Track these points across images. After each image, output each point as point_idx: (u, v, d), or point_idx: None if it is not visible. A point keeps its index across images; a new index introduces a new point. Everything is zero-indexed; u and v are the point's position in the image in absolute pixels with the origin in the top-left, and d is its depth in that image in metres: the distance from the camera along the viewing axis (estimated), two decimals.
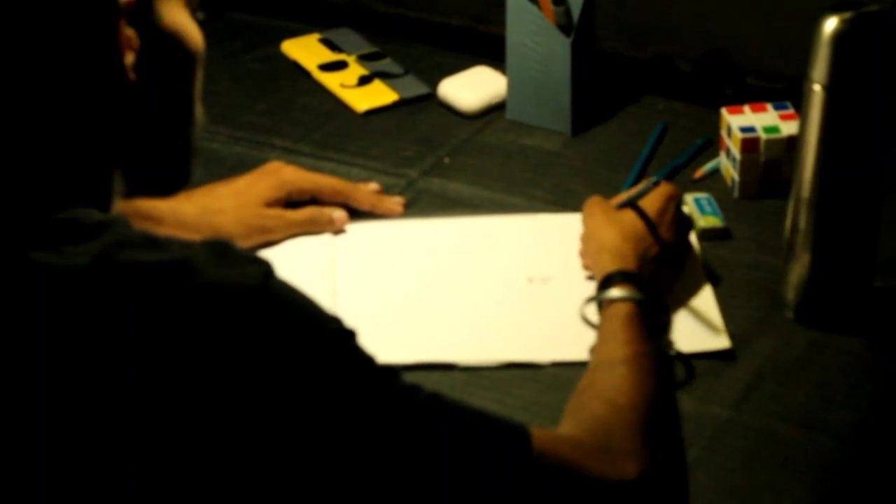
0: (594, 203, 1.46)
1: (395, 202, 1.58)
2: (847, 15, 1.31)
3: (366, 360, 0.95)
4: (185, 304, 0.87)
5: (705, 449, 1.27)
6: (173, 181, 0.98)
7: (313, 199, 1.56)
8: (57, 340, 0.85)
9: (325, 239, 1.53)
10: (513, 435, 1.01)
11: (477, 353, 1.39)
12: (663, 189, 1.45)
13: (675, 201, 1.45)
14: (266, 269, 0.91)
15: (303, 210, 1.54)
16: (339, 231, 1.54)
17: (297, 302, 0.92)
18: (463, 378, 1.36)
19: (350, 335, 0.94)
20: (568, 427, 1.15)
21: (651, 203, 1.43)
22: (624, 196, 1.46)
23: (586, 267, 1.48)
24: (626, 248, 1.38)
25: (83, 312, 0.86)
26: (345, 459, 0.90)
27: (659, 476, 1.11)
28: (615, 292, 1.31)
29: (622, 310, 1.29)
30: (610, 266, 1.36)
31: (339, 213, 1.54)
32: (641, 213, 1.42)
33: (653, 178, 1.46)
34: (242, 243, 1.47)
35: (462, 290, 1.47)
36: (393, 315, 1.44)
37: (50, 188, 0.90)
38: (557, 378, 1.36)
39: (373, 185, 1.60)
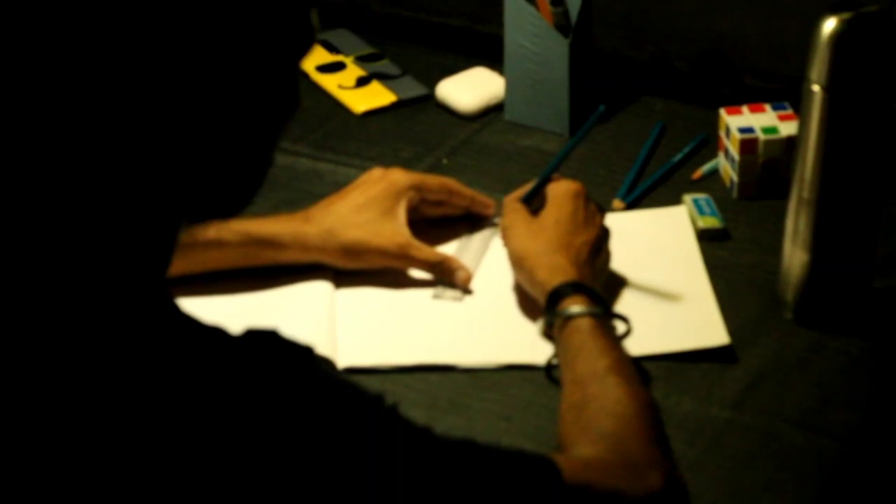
0: (513, 214, 1.43)
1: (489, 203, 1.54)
2: (846, 15, 1.31)
3: (409, 426, 0.94)
4: (238, 387, 0.86)
5: (705, 449, 1.27)
6: (236, 206, 0.93)
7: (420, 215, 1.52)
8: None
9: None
10: (544, 470, 1.02)
11: (476, 354, 1.39)
12: (566, 188, 1.43)
13: (583, 197, 1.43)
14: (310, 353, 0.90)
15: (429, 250, 1.47)
16: (465, 292, 1.46)
17: (341, 382, 0.91)
18: (463, 380, 1.36)
19: (394, 408, 0.93)
20: (582, 448, 1.15)
21: (561, 207, 1.41)
22: (527, 188, 1.46)
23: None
24: (560, 259, 1.36)
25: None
26: None
27: (680, 479, 1.12)
28: (573, 308, 1.29)
29: (584, 324, 1.28)
30: (553, 280, 1.34)
31: (463, 275, 1.46)
32: (557, 221, 1.40)
33: (546, 172, 1.46)
34: (361, 263, 1.45)
35: (462, 291, 1.47)
36: (392, 317, 1.44)
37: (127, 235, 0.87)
38: (556, 379, 1.36)
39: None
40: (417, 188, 1.49)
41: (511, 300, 1.45)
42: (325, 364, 0.91)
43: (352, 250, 1.45)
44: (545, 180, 1.45)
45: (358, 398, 0.92)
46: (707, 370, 1.36)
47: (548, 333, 1.35)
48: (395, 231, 1.46)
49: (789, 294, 1.43)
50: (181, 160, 0.86)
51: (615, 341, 1.29)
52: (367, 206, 1.46)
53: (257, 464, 0.85)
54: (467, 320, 1.43)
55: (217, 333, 0.88)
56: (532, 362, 1.37)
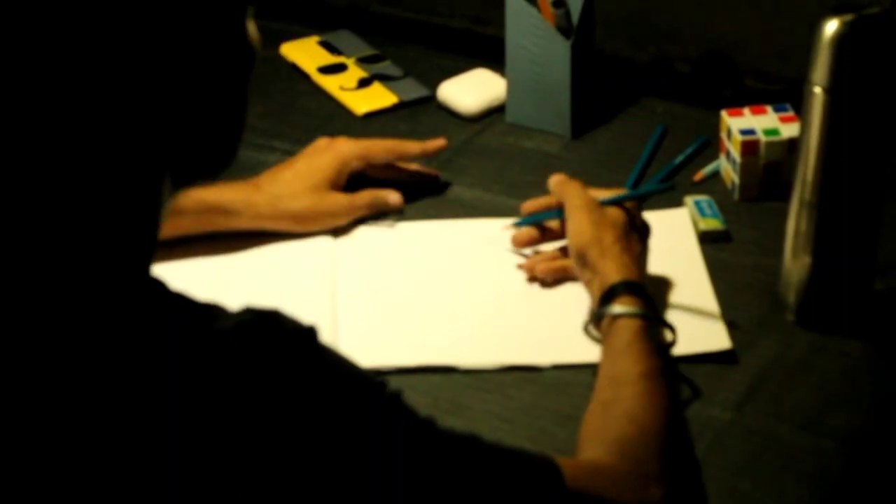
0: (583, 197, 1.41)
1: (438, 144, 1.61)
2: (847, 17, 1.31)
3: (411, 414, 0.94)
4: (237, 372, 0.86)
5: (707, 451, 1.27)
6: (217, 166, 0.94)
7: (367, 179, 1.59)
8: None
9: (326, 241, 1.53)
10: (546, 471, 1.02)
11: (477, 355, 1.39)
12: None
13: (637, 209, 1.43)
14: (313, 335, 0.90)
15: (362, 194, 1.56)
16: (397, 212, 1.56)
17: (344, 367, 0.92)
18: (463, 381, 1.36)
19: (396, 396, 0.94)
20: (594, 451, 1.15)
21: (623, 212, 1.40)
22: (612, 193, 1.44)
23: (564, 271, 1.45)
24: (627, 258, 1.36)
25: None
26: (392, 500, 0.90)
27: (680, 495, 1.13)
28: (623, 308, 1.30)
29: (633, 325, 1.28)
30: (617, 275, 1.33)
31: (393, 197, 1.56)
32: (623, 223, 1.39)
33: (663, 185, 1.45)
34: (311, 227, 1.53)
35: (462, 292, 1.47)
36: (393, 318, 1.44)
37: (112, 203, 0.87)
38: (558, 380, 1.36)
39: (437, 143, 1.62)
40: (363, 157, 1.57)
41: (513, 301, 1.46)
42: (329, 346, 0.91)
43: (300, 217, 1.52)
44: (636, 196, 1.44)
45: (361, 382, 0.92)
46: (708, 371, 1.36)
47: (591, 326, 1.35)
48: (337, 199, 1.54)
49: (791, 296, 1.43)
50: (155, 131, 0.87)
51: (659, 349, 1.29)
52: (312, 175, 1.54)
53: (258, 447, 0.85)
54: (469, 321, 1.43)
55: (214, 311, 0.89)
56: (534, 363, 1.38)
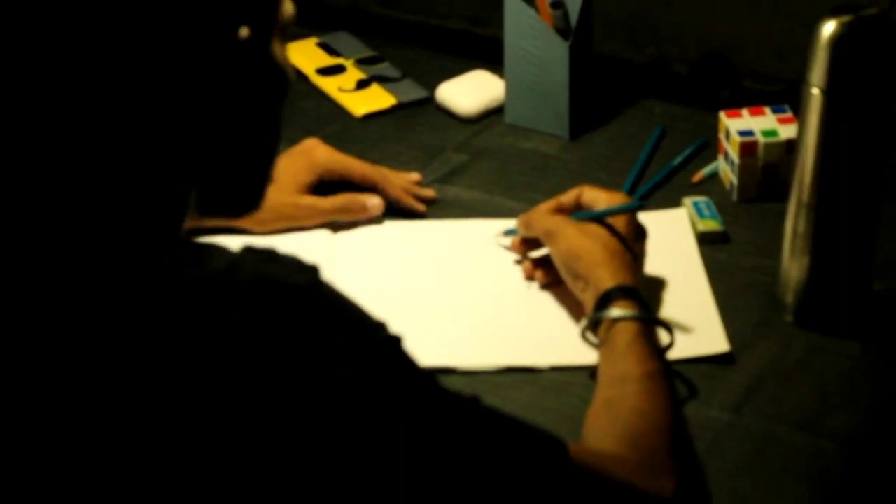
0: (556, 219, 1.42)
1: (419, 202, 1.58)
2: (846, 18, 1.31)
3: (412, 364, 0.94)
4: (234, 307, 0.86)
5: (705, 452, 1.27)
6: (247, 204, 0.94)
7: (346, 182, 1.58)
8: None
9: (324, 241, 1.53)
10: (550, 443, 1.02)
11: (476, 357, 1.39)
12: (623, 200, 1.43)
13: (633, 214, 1.43)
14: (314, 272, 0.91)
15: (335, 198, 1.54)
16: (373, 218, 1.54)
17: (345, 304, 0.92)
18: (462, 382, 1.36)
19: (396, 340, 0.94)
20: (602, 444, 1.16)
21: (615, 220, 1.40)
22: (608, 195, 1.43)
23: (551, 284, 1.46)
24: (618, 263, 1.36)
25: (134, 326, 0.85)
26: (391, 460, 0.90)
27: (688, 490, 1.13)
28: (621, 311, 1.30)
29: (632, 327, 1.29)
30: (610, 281, 1.33)
31: (373, 201, 1.54)
32: (611, 228, 1.39)
33: (636, 202, 1.43)
34: (271, 227, 1.52)
35: (461, 293, 1.47)
36: (391, 319, 1.44)
37: (137, 205, 0.87)
38: (556, 382, 1.36)
39: (412, 176, 1.61)
40: (339, 173, 1.56)
41: (512, 302, 1.46)
42: (330, 283, 0.91)
43: (261, 220, 1.51)
44: (615, 211, 1.41)
45: (363, 320, 0.92)
46: (707, 373, 1.36)
47: (588, 333, 1.34)
48: (303, 202, 1.53)
49: (789, 297, 1.43)
50: (183, 151, 0.87)
51: (657, 350, 1.29)
52: (282, 178, 1.51)
53: (258, 381, 0.85)
54: (467, 322, 1.43)
55: (212, 251, 0.89)
56: (532, 365, 1.38)
